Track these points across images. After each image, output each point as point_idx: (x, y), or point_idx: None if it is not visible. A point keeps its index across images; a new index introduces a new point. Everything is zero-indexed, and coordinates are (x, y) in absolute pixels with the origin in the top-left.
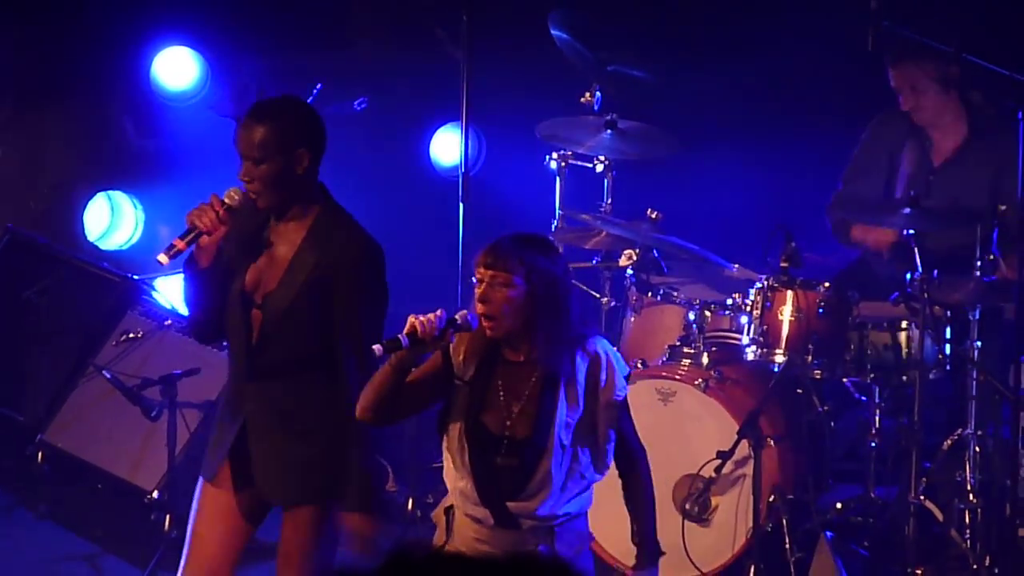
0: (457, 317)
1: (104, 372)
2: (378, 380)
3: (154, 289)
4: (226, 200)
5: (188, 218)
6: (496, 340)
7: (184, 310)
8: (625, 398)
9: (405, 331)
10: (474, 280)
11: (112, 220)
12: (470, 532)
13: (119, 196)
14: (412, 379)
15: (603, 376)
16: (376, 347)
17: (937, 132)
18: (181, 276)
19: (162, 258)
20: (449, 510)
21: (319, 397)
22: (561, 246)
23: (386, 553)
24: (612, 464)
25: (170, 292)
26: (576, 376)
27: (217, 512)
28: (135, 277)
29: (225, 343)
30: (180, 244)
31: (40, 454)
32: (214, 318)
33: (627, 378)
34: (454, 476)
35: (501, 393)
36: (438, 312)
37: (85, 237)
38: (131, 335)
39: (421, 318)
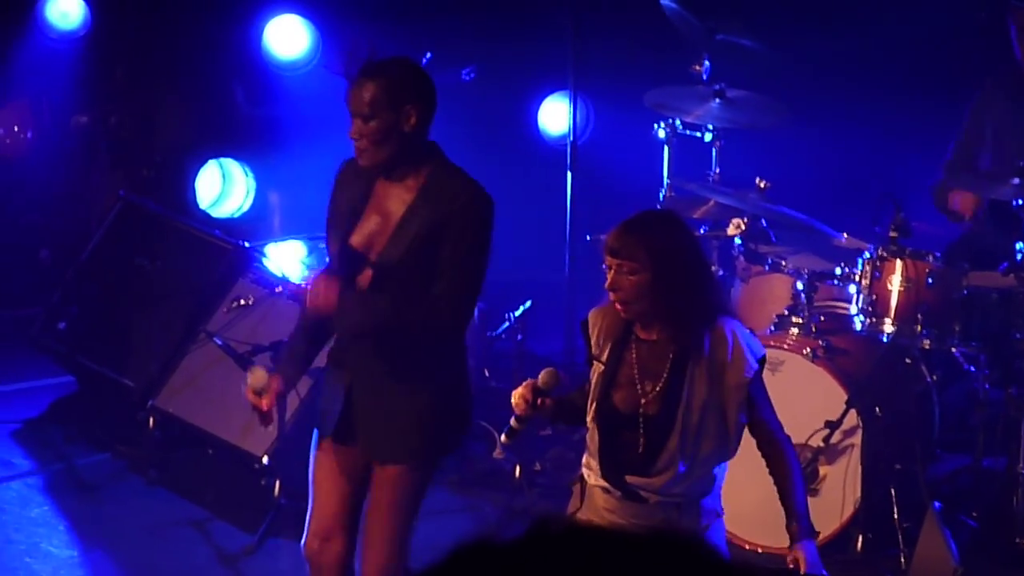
0: (542, 381)
1: (215, 338)
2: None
3: (265, 256)
4: (540, 384)
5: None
6: (628, 320)
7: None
8: (757, 380)
9: (514, 418)
10: (603, 266)
11: (223, 187)
12: (600, 502)
13: (230, 164)
14: (587, 386)
15: (729, 356)
16: (503, 438)
17: None
18: (293, 242)
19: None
20: (583, 479)
21: (424, 353)
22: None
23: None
24: (739, 447)
25: (281, 259)
26: (704, 355)
27: (333, 466)
28: (246, 244)
29: None
30: (505, 440)
31: (151, 419)
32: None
33: (761, 360)
34: (589, 452)
35: (636, 372)
36: (521, 390)
37: (197, 204)
38: (242, 302)
39: (516, 398)
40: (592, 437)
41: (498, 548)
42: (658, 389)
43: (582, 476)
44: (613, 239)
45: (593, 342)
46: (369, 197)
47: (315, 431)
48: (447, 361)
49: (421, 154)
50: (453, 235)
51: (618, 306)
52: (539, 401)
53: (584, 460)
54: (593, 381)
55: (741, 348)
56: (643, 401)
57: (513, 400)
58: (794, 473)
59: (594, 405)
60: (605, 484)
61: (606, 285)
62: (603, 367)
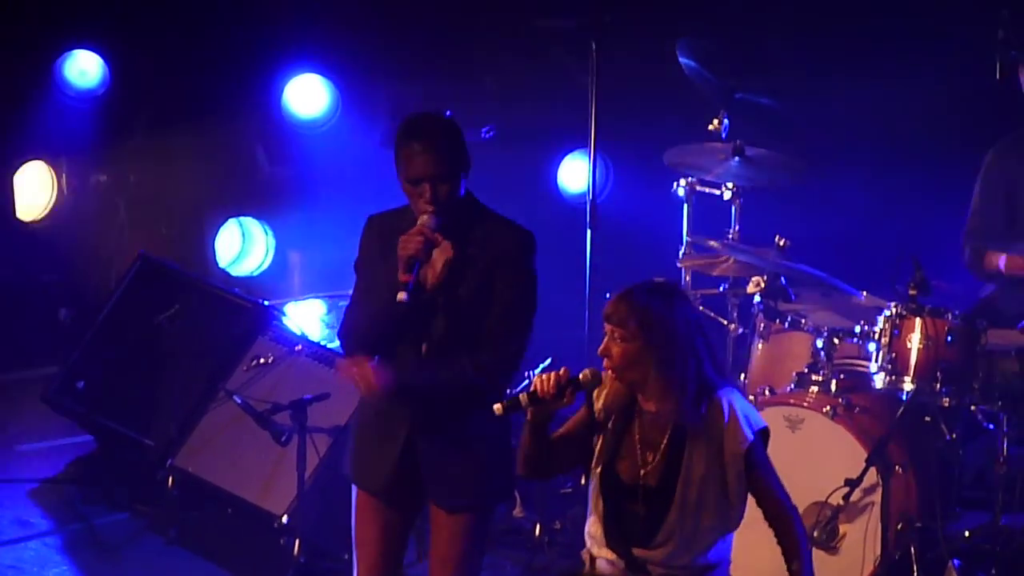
0: (583, 374)
1: (235, 397)
2: (522, 440)
3: (284, 315)
4: (423, 225)
5: (399, 254)
6: (633, 391)
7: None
8: (755, 451)
9: (529, 391)
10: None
11: (243, 246)
12: (605, 572)
13: (250, 222)
14: (564, 432)
15: (725, 428)
16: (497, 406)
17: None
18: (313, 300)
19: (400, 295)
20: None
21: (480, 401)
22: (689, 273)
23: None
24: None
25: (300, 317)
26: (701, 428)
27: (379, 522)
28: (266, 303)
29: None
30: (405, 277)
31: (170, 478)
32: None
33: (760, 432)
34: (591, 521)
35: (637, 442)
36: (561, 371)
37: (216, 263)
38: (261, 360)
39: (543, 376)
40: (596, 505)
41: None
42: (657, 460)
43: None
44: (609, 305)
45: (597, 409)
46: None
47: (354, 488)
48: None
49: (463, 202)
50: (503, 281)
51: (609, 372)
52: (566, 392)
53: (588, 529)
54: (597, 448)
55: (737, 419)
56: (643, 472)
57: (538, 379)
58: (800, 543)
59: (599, 470)
60: (609, 555)
61: (598, 351)
62: (608, 436)
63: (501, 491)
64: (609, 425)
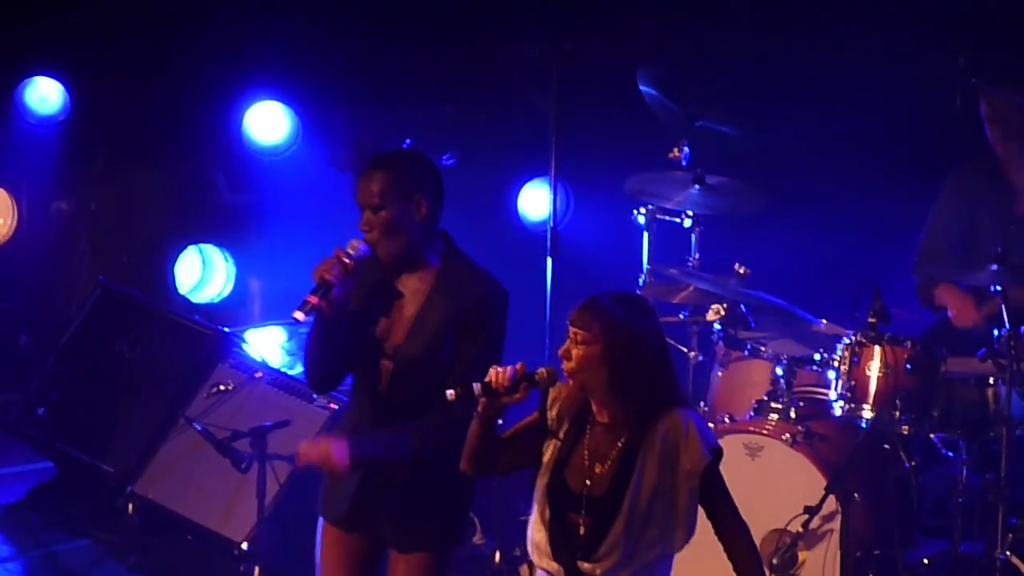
0: (539, 372)
1: (195, 424)
2: (470, 432)
3: (245, 342)
4: (349, 250)
5: (315, 273)
6: (588, 399)
7: (280, 361)
8: (711, 471)
9: (484, 380)
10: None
11: (204, 273)
12: None
13: (211, 249)
14: (512, 432)
15: (682, 445)
16: (449, 392)
17: (1019, 177)
18: (273, 328)
19: (298, 315)
20: (532, 564)
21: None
22: (649, 300)
23: None
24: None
25: (260, 344)
26: (657, 442)
27: (341, 554)
28: (226, 330)
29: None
30: (313, 299)
31: (131, 505)
32: (335, 368)
33: (715, 451)
34: (534, 527)
35: (586, 451)
36: (518, 365)
37: (176, 290)
38: (222, 387)
39: (499, 369)
40: (542, 513)
41: None
42: (607, 471)
43: (530, 562)
44: (576, 309)
45: (551, 416)
46: (383, 286)
47: (319, 518)
48: (454, 449)
49: (432, 245)
50: (468, 335)
51: (566, 373)
52: (520, 386)
53: (531, 536)
54: (547, 457)
55: (696, 437)
56: (588, 482)
57: (493, 371)
58: (752, 563)
59: (545, 479)
60: (550, 567)
61: (559, 351)
62: (559, 443)
63: (457, 531)
64: (561, 433)
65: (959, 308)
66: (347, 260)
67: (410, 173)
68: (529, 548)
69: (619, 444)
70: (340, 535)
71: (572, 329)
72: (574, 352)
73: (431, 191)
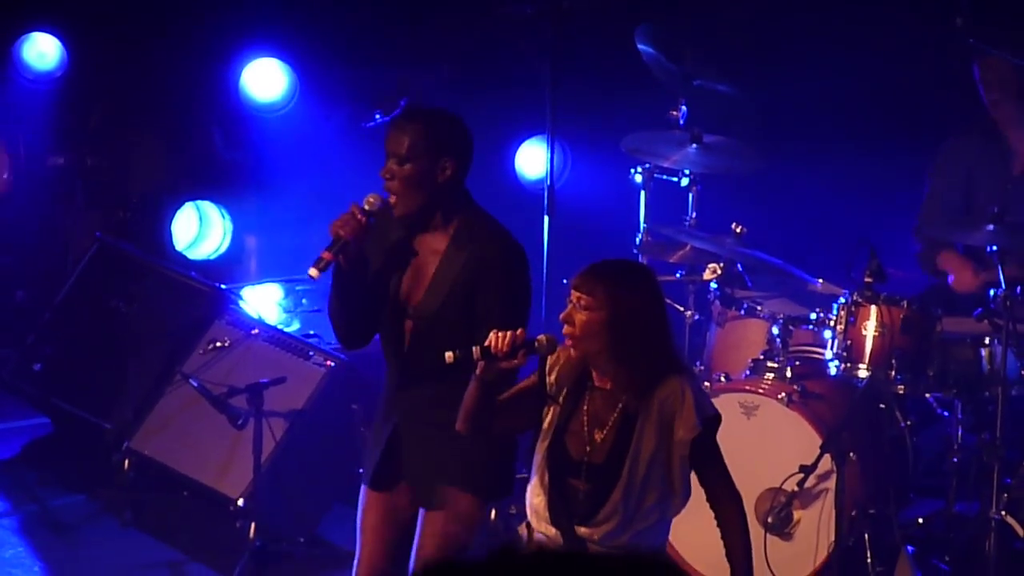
0: (539, 339)
1: (191, 380)
2: (467, 393)
3: (241, 298)
4: (366, 206)
5: (332, 229)
6: (587, 365)
7: (277, 318)
8: (704, 438)
9: (483, 344)
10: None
11: (200, 230)
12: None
13: (207, 206)
14: (509, 396)
15: (678, 412)
16: (448, 355)
17: (1015, 138)
18: (270, 285)
19: (312, 272)
20: (531, 525)
21: None
22: (646, 260)
23: (491, 551)
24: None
25: (257, 301)
26: (653, 408)
27: (378, 514)
28: (223, 286)
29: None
30: (327, 256)
31: (126, 461)
32: (360, 322)
33: (711, 419)
34: (534, 491)
35: (585, 418)
36: (518, 331)
37: (173, 246)
38: (218, 344)
39: (500, 333)
40: (541, 478)
41: (465, 567)
42: (605, 438)
43: (527, 523)
44: (580, 274)
45: (550, 381)
46: (402, 245)
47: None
48: None
49: (454, 204)
50: (487, 291)
51: (567, 340)
52: (520, 352)
53: (530, 501)
54: (547, 422)
55: (691, 406)
56: (588, 449)
57: (493, 335)
58: (740, 531)
59: (546, 444)
60: (547, 531)
61: (560, 316)
62: (559, 409)
63: (491, 490)
64: (560, 399)
65: (959, 273)
66: (362, 216)
67: (443, 132)
68: (528, 512)
69: (617, 411)
70: (375, 497)
71: (575, 294)
72: (577, 317)
73: (460, 154)
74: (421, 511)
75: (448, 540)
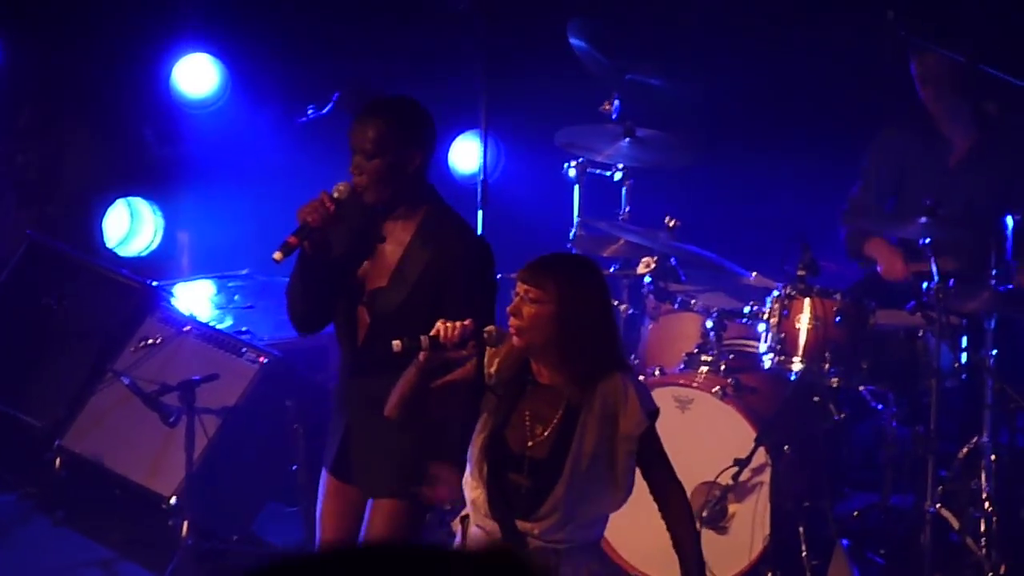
0: (488, 330)
1: (123, 378)
2: (403, 380)
3: (173, 295)
4: (335, 194)
5: (299, 214)
6: (528, 359)
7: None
8: (649, 434)
9: (430, 333)
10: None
11: (132, 226)
12: (480, 544)
13: (139, 202)
14: (444, 384)
15: (622, 408)
16: (396, 343)
17: (950, 131)
18: (202, 281)
19: (277, 256)
20: (466, 519)
21: None
22: (580, 253)
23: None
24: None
25: (189, 298)
26: (596, 405)
27: (337, 501)
28: (154, 283)
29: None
30: (293, 241)
31: (58, 460)
32: (318, 308)
33: (652, 415)
34: (471, 485)
35: (527, 413)
36: (467, 321)
37: (104, 243)
38: (150, 341)
39: (449, 324)
40: (479, 470)
41: (293, 564)
42: (547, 434)
43: (463, 516)
44: (527, 267)
45: (489, 373)
46: (366, 234)
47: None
48: (436, 400)
49: (419, 195)
50: (453, 286)
51: (513, 333)
52: (468, 343)
53: (468, 495)
54: (485, 414)
55: (635, 401)
56: (530, 443)
57: (442, 325)
58: (689, 521)
59: (483, 437)
60: (486, 525)
61: (508, 308)
62: (498, 402)
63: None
64: (499, 392)
65: (888, 262)
66: (330, 204)
67: (408, 124)
68: (468, 507)
69: (560, 406)
70: (336, 485)
71: (524, 287)
72: (525, 310)
73: (426, 143)
74: (369, 502)
75: (393, 534)
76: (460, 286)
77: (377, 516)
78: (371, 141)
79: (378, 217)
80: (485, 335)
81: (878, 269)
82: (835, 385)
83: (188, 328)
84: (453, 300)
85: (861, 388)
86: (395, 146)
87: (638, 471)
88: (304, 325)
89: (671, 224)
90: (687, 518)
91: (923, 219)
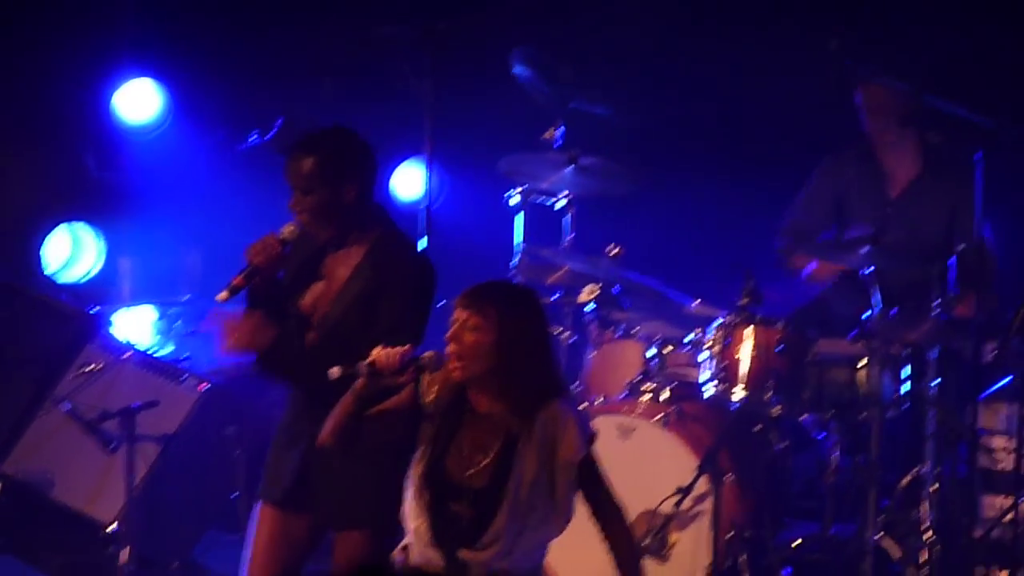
0: (424, 356)
1: (63, 404)
2: (340, 407)
3: (114, 322)
4: (282, 236)
5: (246, 255)
6: (466, 387)
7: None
8: (588, 460)
9: (368, 360)
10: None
11: (73, 252)
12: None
13: (80, 228)
14: (382, 410)
15: (560, 436)
16: (333, 370)
17: (893, 161)
18: (143, 308)
19: (222, 296)
20: (407, 548)
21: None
22: (523, 281)
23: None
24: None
25: (130, 325)
26: (535, 433)
27: (274, 532)
28: (95, 309)
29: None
30: (239, 282)
31: None
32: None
33: (590, 440)
34: (412, 515)
35: (465, 442)
36: (405, 348)
37: (45, 270)
38: (91, 368)
39: (387, 350)
40: (419, 500)
41: None
42: (487, 463)
43: (404, 547)
44: (466, 294)
45: (427, 401)
46: (320, 260)
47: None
48: (391, 429)
49: (368, 220)
50: (388, 300)
51: (452, 361)
52: (407, 369)
53: (408, 525)
54: (424, 443)
55: (573, 428)
56: (470, 473)
57: (380, 351)
58: (630, 545)
59: (423, 466)
60: (428, 554)
61: (446, 335)
62: (436, 430)
63: (392, 511)
64: (437, 421)
65: (817, 268)
66: (278, 246)
67: (339, 157)
68: (409, 538)
69: (499, 435)
70: (277, 515)
71: (464, 314)
72: (465, 338)
73: (360, 173)
74: (333, 534)
75: (360, 564)
76: (397, 304)
77: (342, 548)
78: (304, 178)
79: (328, 249)
80: (422, 361)
81: (804, 274)
82: (777, 414)
83: (129, 355)
84: (388, 318)
85: (803, 417)
86: (329, 180)
87: (579, 496)
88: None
89: (614, 252)
90: (628, 541)
91: (865, 248)
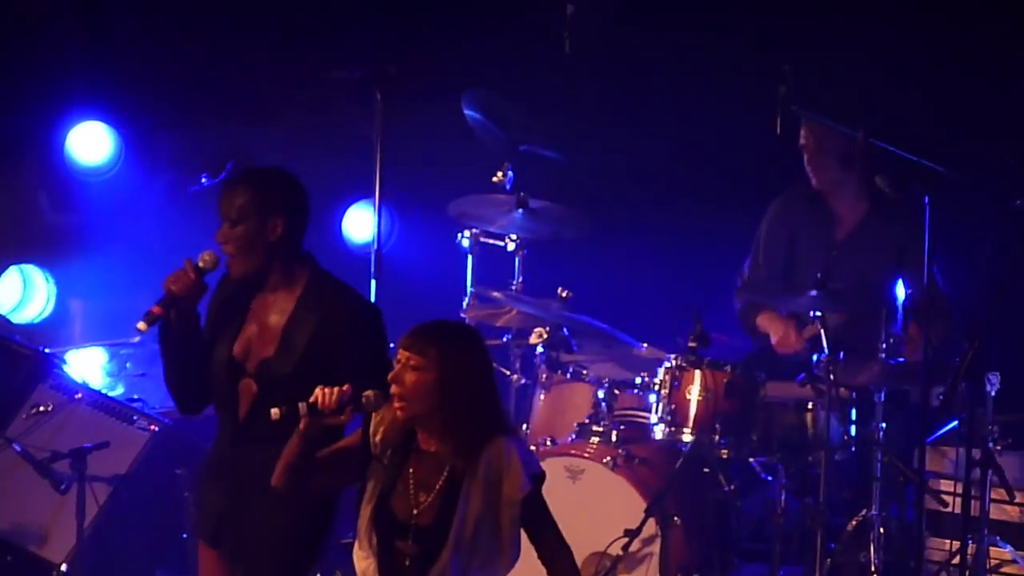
0: (366, 395)
1: (14, 445)
2: (287, 450)
3: (65, 363)
4: (200, 263)
5: (164, 284)
6: (413, 427)
7: (101, 382)
8: (533, 498)
9: (309, 401)
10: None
11: (24, 293)
12: None
13: (31, 269)
14: (329, 453)
15: (505, 473)
16: (274, 411)
17: (839, 204)
18: (94, 349)
19: (141, 326)
20: None
21: None
22: (473, 323)
23: None
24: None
25: (81, 366)
26: (480, 471)
27: (209, 567)
28: (46, 350)
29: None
30: (157, 310)
31: None
32: (191, 384)
33: (536, 479)
34: (360, 555)
35: (411, 481)
36: (345, 387)
37: None
38: (42, 408)
39: (326, 390)
40: (368, 539)
41: None
42: (431, 500)
43: None
44: (409, 334)
45: (375, 441)
46: (243, 304)
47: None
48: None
49: (295, 264)
50: (350, 355)
51: (395, 401)
52: (347, 408)
53: (357, 565)
54: (371, 483)
55: (518, 466)
56: (415, 511)
57: (320, 391)
58: None
59: (371, 507)
60: None
61: (389, 376)
62: (384, 470)
63: (312, 555)
64: (385, 460)
65: (781, 335)
66: (193, 274)
67: (271, 192)
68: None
69: (444, 473)
70: (213, 555)
71: (406, 354)
72: (407, 378)
73: (291, 211)
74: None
75: None
76: (352, 352)
77: None
78: (236, 208)
79: (254, 288)
80: (364, 400)
81: (772, 342)
82: (725, 456)
83: (80, 395)
84: (346, 366)
85: (751, 460)
86: (256, 213)
87: (526, 534)
88: (184, 404)
89: (563, 294)
90: None
91: (813, 292)
